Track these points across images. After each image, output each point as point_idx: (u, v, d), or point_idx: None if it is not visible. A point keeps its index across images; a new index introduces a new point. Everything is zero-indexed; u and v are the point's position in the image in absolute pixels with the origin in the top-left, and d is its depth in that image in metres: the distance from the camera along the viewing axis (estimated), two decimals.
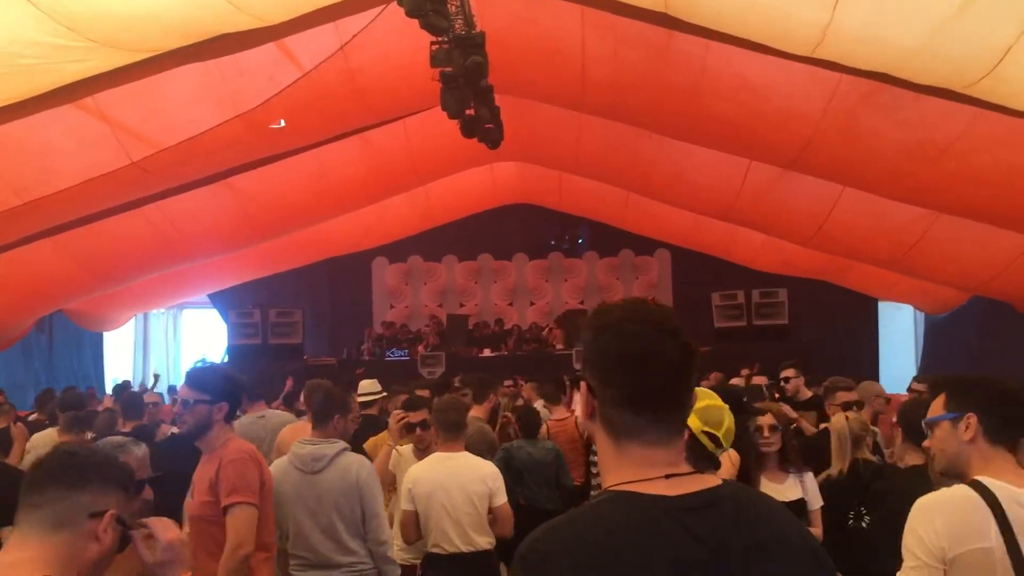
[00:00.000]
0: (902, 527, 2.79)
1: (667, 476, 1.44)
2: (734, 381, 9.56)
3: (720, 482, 1.49)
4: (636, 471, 1.46)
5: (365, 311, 17.68)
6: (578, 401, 2.13)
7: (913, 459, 3.50)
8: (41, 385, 11.51)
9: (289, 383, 10.19)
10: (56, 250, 10.32)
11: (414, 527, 4.46)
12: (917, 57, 5.58)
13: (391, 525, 4.69)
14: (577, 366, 12.96)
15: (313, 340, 16.85)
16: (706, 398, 2.79)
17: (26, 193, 7.74)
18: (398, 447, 5.12)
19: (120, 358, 17.20)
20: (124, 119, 7.54)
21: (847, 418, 4.44)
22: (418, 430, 5.02)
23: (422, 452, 5.00)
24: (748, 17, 5.99)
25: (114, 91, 7.05)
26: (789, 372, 6.69)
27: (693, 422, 2.66)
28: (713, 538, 1.40)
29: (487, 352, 15.44)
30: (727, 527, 1.41)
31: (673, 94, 8.26)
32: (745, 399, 4.41)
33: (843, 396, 5.44)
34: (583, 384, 1.54)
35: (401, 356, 15.25)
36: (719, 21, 6.24)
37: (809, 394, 6.71)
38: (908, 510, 3.20)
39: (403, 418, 5.04)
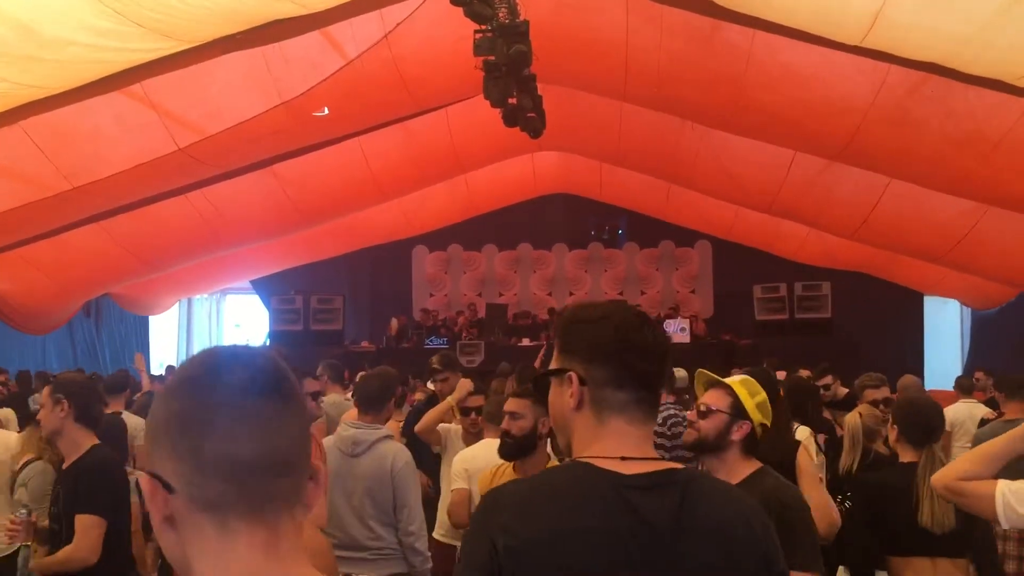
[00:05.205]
0: (873, 514, 3.26)
1: (622, 458, 1.54)
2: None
3: (679, 468, 1.59)
4: (615, 443, 1.57)
5: (405, 299, 17.76)
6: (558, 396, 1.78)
7: (907, 456, 3.57)
8: (88, 368, 11.71)
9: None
10: (104, 235, 10.50)
11: (467, 507, 4.16)
12: (970, 46, 5.47)
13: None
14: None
15: (353, 326, 16.97)
16: (743, 386, 2.89)
17: (75, 178, 7.88)
18: (452, 424, 5.19)
19: (164, 342, 17.50)
20: (171, 106, 7.65)
21: (860, 415, 4.52)
22: (473, 414, 5.05)
23: (473, 436, 5.01)
24: (797, 5, 5.91)
25: (161, 78, 7.16)
26: (828, 380, 6.65)
27: None
28: (652, 515, 1.49)
29: (526, 341, 15.44)
30: (668, 508, 1.50)
31: (718, 84, 8.17)
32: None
33: (871, 394, 5.39)
34: (571, 376, 1.62)
35: (440, 344, 15.30)
36: (768, 9, 6.17)
37: (844, 391, 6.67)
38: (880, 501, 3.45)
39: (469, 392, 5.12)
